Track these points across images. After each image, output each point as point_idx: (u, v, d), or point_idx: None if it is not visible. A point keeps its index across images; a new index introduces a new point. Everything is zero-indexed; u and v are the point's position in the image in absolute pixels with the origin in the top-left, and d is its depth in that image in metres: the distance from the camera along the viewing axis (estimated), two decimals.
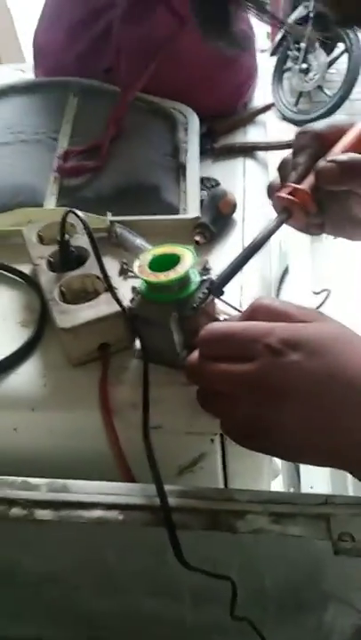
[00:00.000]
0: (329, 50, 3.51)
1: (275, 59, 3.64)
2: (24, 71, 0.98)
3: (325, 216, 0.46)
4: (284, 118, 3.54)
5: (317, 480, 0.80)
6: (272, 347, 0.34)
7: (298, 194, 0.43)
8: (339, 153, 0.43)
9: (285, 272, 1.05)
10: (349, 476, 0.83)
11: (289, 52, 3.58)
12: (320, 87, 3.54)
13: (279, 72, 3.67)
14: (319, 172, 0.43)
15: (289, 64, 3.63)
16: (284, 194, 0.43)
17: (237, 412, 0.36)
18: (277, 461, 1.03)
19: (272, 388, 0.34)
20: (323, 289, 0.81)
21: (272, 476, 0.64)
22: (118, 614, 0.57)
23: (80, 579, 0.52)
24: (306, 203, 0.43)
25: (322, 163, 0.43)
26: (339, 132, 0.45)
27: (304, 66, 3.50)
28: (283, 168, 0.46)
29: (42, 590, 0.54)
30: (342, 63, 3.47)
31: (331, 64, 3.54)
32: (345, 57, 3.37)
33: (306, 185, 0.43)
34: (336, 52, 3.52)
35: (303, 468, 0.87)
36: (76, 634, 0.65)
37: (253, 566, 0.44)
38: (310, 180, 0.43)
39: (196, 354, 0.38)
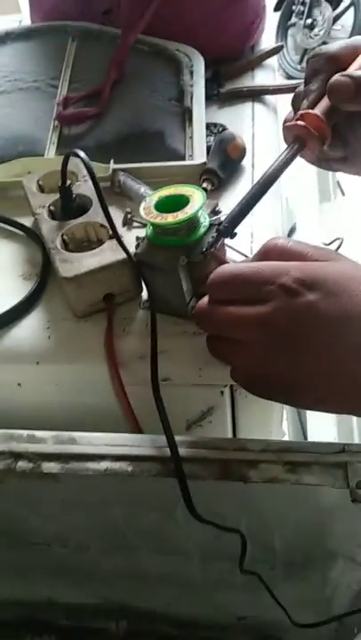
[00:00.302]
0: (335, 4, 3.37)
1: (278, 14, 3.50)
2: (21, 21, 0.93)
3: (346, 148, 0.43)
4: (289, 77, 3.42)
5: (325, 439, 0.79)
6: (287, 286, 0.32)
7: (308, 118, 0.39)
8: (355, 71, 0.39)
9: (293, 230, 1.02)
10: (357, 431, 0.83)
11: (293, 7, 3.44)
12: (325, 43, 3.41)
13: (283, 28, 3.53)
14: (332, 88, 0.38)
15: (293, 20, 3.49)
16: (293, 121, 0.39)
17: (249, 356, 0.35)
18: (283, 426, 1.03)
19: (287, 330, 0.32)
20: (335, 238, 0.78)
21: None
22: (127, 574, 0.57)
23: (89, 538, 0.51)
24: (319, 127, 0.39)
25: (335, 77, 0.38)
26: (355, 53, 0.40)
27: (309, 21, 3.37)
28: (296, 100, 0.42)
29: (51, 550, 0.54)
30: (348, 19, 3.34)
31: (336, 19, 3.40)
32: (351, 12, 3.25)
33: (318, 109, 0.39)
34: (342, 6, 3.38)
35: (310, 428, 0.86)
36: (86, 594, 0.66)
37: (262, 522, 0.44)
38: (324, 104, 0.39)
39: (205, 299, 0.36)
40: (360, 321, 0.31)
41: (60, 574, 0.61)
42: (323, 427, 0.84)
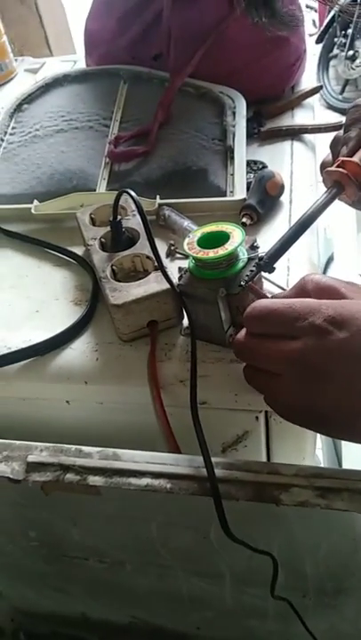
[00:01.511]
0: None
1: (320, 46, 3.54)
2: (75, 62, 1.00)
3: None
4: (330, 107, 3.44)
5: (358, 463, 0.79)
6: (318, 325, 0.34)
7: (348, 166, 0.42)
8: None
9: (330, 259, 1.04)
10: None
11: (335, 39, 3.48)
12: None
13: (325, 59, 3.57)
14: None
15: (335, 51, 3.53)
16: (334, 167, 0.42)
17: (283, 389, 0.37)
18: (318, 452, 1.03)
19: (316, 368, 0.34)
20: None
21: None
22: (160, 593, 0.58)
23: (125, 554, 0.53)
24: (357, 174, 0.42)
25: None
26: None
27: (350, 52, 3.40)
28: (334, 145, 0.45)
29: (89, 565, 0.55)
30: None
31: None
32: None
33: (357, 157, 0.42)
34: None
35: (345, 456, 0.86)
36: (118, 612, 0.67)
37: (294, 547, 0.45)
38: None
39: (243, 332, 0.39)
40: None
41: (95, 590, 0.63)
42: (358, 455, 0.84)
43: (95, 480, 0.39)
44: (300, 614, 0.51)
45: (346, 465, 0.85)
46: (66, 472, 0.40)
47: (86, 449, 0.41)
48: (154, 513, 0.45)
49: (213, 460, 0.38)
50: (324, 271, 1.01)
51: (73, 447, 0.41)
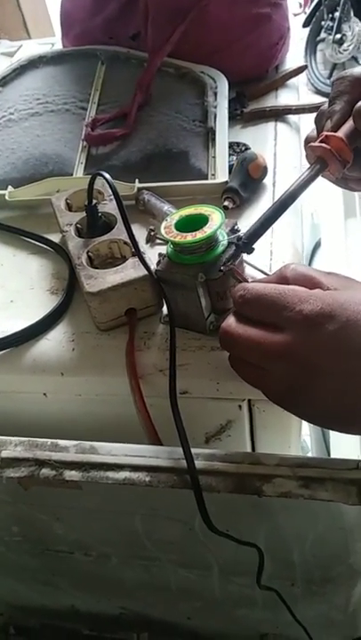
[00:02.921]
0: None
1: (308, 30, 3.51)
2: (53, 44, 0.97)
3: None
4: (318, 91, 3.42)
5: (348, 455, 0.79)
6: (307, 316, 0.33)
7: (331, 141, 0.40)
8: None
9: (318, 245, 1.03)
10: None
11: (322, 23, 3.45)
12: (355, 58, 3.40)
13: (312, 43, 3.54)
14: (357, 114, 0.39)
15: (322, 35, 3.49)
16: (317, 142, 0.40)
17: (269, 382, 0.36)
18: (307, 439, 1.02)
19: (303, 362, 0.33)
20: None
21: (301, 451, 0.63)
22: (148, 585, 0.58)
23: (110, 547, 0.52)
24: (340, 150, 0.39)
25: (360, 103, 0.39)
26: None
27: (338, 36, 3.36)
28: (319, 119, 0.43)
29: (74, 559, 0.55)
30: None
31: None
32: None
33: (342, 132, 0.40)
34: None
35: (333, 443, 0.86)
36: (108, 604, 0.67)
37: (281, 537, 0.44)
38: (348, 127, 0.40)
39: (228, 321, 0.37)
40: None
41: (83, 583, 0.62)
42: (346, 441, 0.83)
43: (72, 475, 0.38)
44: (287, 604, 0.51)
45: (333, 451, 0.84)
46: (41, 467, 0.39)
47: (62, 443, 0.40)
48: (136, 506, 0.44)
49: (194, 451, 0.37)
50: (311, 257, 1.00)
51: (49, 441, 0.40)
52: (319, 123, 0.43)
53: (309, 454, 1.00)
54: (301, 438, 1.04)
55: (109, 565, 0.55)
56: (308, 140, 0.44)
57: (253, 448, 0.50)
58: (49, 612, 0.72)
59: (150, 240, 0.54)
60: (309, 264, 0.96)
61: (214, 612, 0.63)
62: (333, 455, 0.84)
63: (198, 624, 0.67)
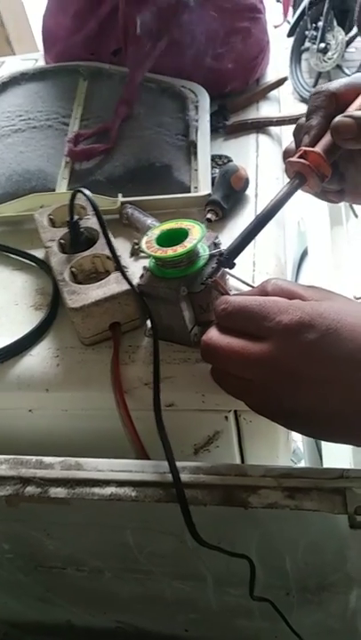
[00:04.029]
0: (348, 28, 3.42)
1: (292, 40, 3.55)
2: (37, 60, 0.97)
3: (343, 181, 0.44)
4: (303, 100, 3.46)
5: (340, 461, 0.79)
6: (287, 325, 0.33)
7: (310, 156, 0.40)
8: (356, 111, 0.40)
9: (305, 254, 1.03)
10: None
11: (306, 32, 3.50)
12: (339, 67, 3.46)
13: (297, 53, 3.59)
14: (335, 129, 0.40)
15: (307, 44, 3.54)
16: (295, 158, 0.41)
17: (252, 393, 0.36)
18: (299, 445, 1.02)
19: (285, 371, 0.33)
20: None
21: (292, 458, 0.63)
22: (143, 598, 0.57)
23: (103, 562, 0.52)
24: (319, 165, 0.40)
25: (338, 118, 0.40)
26: (356, 93, 0.42)
27: (322, 45, 3.41)
28: (298, 132, 0.44)
29: (67, 574, 0.54)
30: None
31: (349, 42, 3.44)
32: None
33: (320, 147, 0.41)
34: (354, 29, 3.42)
35: (325, 450, 0.86)
36: (104, 618, 0.66)
37: (273, 547, 0.44)
38: (325, 141, 0.41)
39: (209, 334, 0.38)
40: (359, 353, 0.32)
41: (77, 597, 0.62)
42: (338, 449, 0.83)
43: (57, 492, 0.38)
44: (282, 613, 0.50)
45: (326, 457, 0.84)
46: (26, 485, 0.38)
47: (47, 459, 0.40)
48: (126, 520, 0.43)
49: (179, 464, 0.37)
50: (299, 266, 1.01)
51: (33, 458, 0.40)
52: (297, 136, 0.44)
53: (302, 461, 1.00)
54: (295, 445, 1.04)
55: (103, 579, 0.55)
56: (286, 153, 0.45)
57: (242, 458, 0.50)
58: (45, 627, 0.71)
59: (134, 254, 0.54)
60: (297, 273, 0.97)
61: (211, 624, 0.63)
62: (326, 461, 0.84)
63: (196, 635, 0.67)
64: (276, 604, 0.49)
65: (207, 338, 0.37)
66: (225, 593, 0.54)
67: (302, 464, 0.99)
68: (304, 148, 0.41)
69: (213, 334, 0.37)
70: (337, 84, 0.42)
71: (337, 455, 0.82)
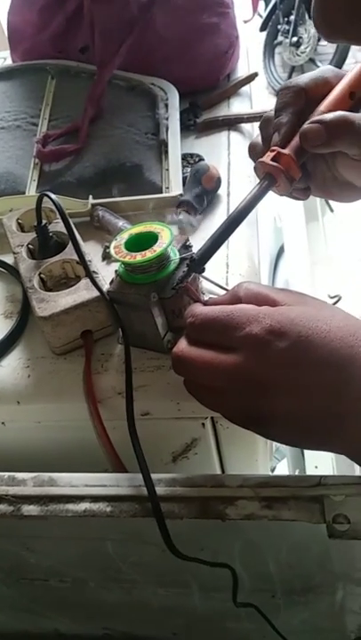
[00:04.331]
0: None
1: (265, 34, 3.55)
2: (5, 59, 0.95)
3: (310, 179, 0.43)
4: (277, 94, 3.46)
5: (322, 460, 0.79)
6: (258, 336, 0.32)
7: (282, 159, 0.39)
8: (325, 111, 0.39)
9: (281, 251, 1.03)
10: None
11: (279, 26, 3.50)
12: (312, 60, 3.47)
13: (270, 47, 3.59)
14: (304, 136, 0.38)
15: (280, 38, 3.54)
16: (267, 159, 0.39)
17: (226, 404, 0.35)
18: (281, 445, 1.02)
19: (257, 381, 0.33)
20: (336, 295, 0.80)
21: (272, 456, 0.63)
22: (130, 606, 0.57)
23: (85, 573, 0.51)
24: (290, 169, 0.39)
25: (307, 125, 0.38)
26: (325, 87, 0.40)
27: (295, 39, 3.42)
28: (265, 126, 0.42)
29: (50, 585, 0.53)
30: None
31: None
32: None
33: (290, 149, 0.39)
34: None
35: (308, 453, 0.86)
36: (91, 626, 0.65)
37: (255, 552, 0.43)
38: (296, 143, 0.40)
39: (180, 345, 0.37)
40: (332, 358, 0.31)
41: (63, 607, 0.61)
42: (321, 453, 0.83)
43: (30, 509, 0.37)
44: (267, 617, 0.50)
45: (308, 455, 0.84)
46: None
47: (20, 475, 0.38)
48: (106, 532, 0.42)
49: (155, 476, 0.36)
50: (276, 263, 1.00)
51: (6, 475, 0.38)
52: (265, 130, 0.42)
53: (284, 460, 1.00)
54: (277, 444, 1.04)
55: (87, 589, 0.54)
56: (252, 147, 0.43)
57: (221, 464, 0.50)
58: (32, 637, 0.70)
59: (106, 257, 0.53)
60: (274, 270, 0.96)
61: (199, 628, 0.62)
62: (308, 458, 0.84)
63: (183, 639, 0.66)
64: (262, 607, 0.48)
65: (178, 350, 0.36)
66: (211, 598, 0.53)
67: (285, 462, 0.99)
68: (277, 149, 0.40)
69: (183, 346, 0.36)
70: (306, 78, 0.41)
71: (319, 452, 0.82)
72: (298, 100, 0.40)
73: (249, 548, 0.43)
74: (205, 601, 0.54)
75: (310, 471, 0.78)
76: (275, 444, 0.80)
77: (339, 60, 3.25)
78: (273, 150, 0.40)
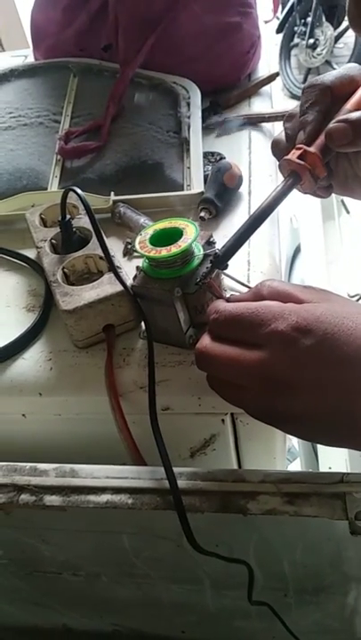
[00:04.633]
0: (336, 23, 3.41)
1: (281, 36, 3.54)
2: (26, 56, 0.96)
3: (332, 177, 0.43)
4: (293, 96, 3.46)
5: (336, 460, 0.79)
6: (283, 333, 0.32)
7: (308, 158, 0.39)
8: (351, 110, 0.39)
9: (297, 251, 1.03)
10: None
11: (295, 28, 3.49)
12: (328, 62, 3.46)
13: (286, 49, 3.58)
14: (330, 135, 0.38)
15: (296, 40, 3.54)
16: (293, 157, 0.39)
17: (249, 400, 0.35)
18: (295, 444, 1.02)
19: (282, 379, 0.32)
20: (356, 294, 0.80)
21: (287, 457, 0.63)
22: (141, 602, 0.57)
23: (99, 566, 0.51)
24: (316, 167, 0.39)
25: (333, 124, 0.38)
26: (351, 85, 0.40)
27: (311, 41, 3.41)
28: (289, 123, 0.42)
29: (63, 579, 0.53)
30: (350, 37, 3.37)
31: (338, 38, 3.44)
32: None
33: (316, 147, 0.39)
34: (343, 24, 3.41)
35: (321, 448, 0.85)
36: (100, 621, 0.65)
37: (271, 549, 0.43)
38: (322, 142, 0.39)
39: (203, 341, 0.37)
40: (359, 356, 0.31)
41: (74, 602, 0.61)
42: (334, 448, 0.83)
43: (52, 500, 0.37)
44: (280, 616, 0.50)
45: (321, 455, 0.84)
46: (20, 493, 0.37)
47: (42, 466, 0.39)
48: (123, 525, 0.43)
49: (176, 470, 0.36)
50: (292, 263, 1.00)
51: (27, 465, 0.39)
52: (289, 127, 0.42)
53: (298, 459, 1.00)
54: (290, 444, 1.04)
55: (99, 584, 0.54)
56: (276, 144, 0.43)
57: (239, 460, 0.50)
58: (41, 631, 0.71)
59: (128, 253, 0.53)
60: (290, 270, 0.96)
61: (209, 625, 0.62)
62: (321, 458, 0.84)
63: (192, 637, 0.66)
64: (273, 606, 0.48)
65: (201, 346, 0.36)
66: (223, 595, 0.53)
67: (297, 462, 0.99)
68: (303, 147, 0.40)
69: (207, 342, 0.36)
70: (331, 76, 0.41)
71: (333, 452, 0.81)
72: (324, 98, 0.40)
73: (264, 546, 0.43)
74: (217, 598, 0.54)
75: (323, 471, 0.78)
76: (287, 444, 0.80)
77: (356, 62, 3.22)
78: (299, 148, 0.40)
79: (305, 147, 0.39)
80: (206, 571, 0.48)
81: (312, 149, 0.39)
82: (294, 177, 0.40)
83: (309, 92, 0.41)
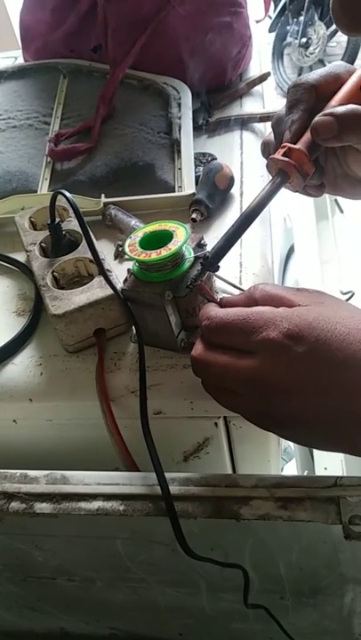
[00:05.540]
0: (329, 22, 3.41)
1: (273, 35, 3.55)
2: (16, 58, 0.95)
3: (322, 176, 0.43)
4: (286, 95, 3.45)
5: (331, 461, 0.78)
6: (273, 339, 0.32)
7: (293, 154, 0.39)
8: (336, 105, 0.38)
9: (292, 250, 1.02)
10: None
11: (288, 27, 3.49)
12: (321, 61, 3.46)
13: (279, 48, 3.58)
14: (315, 128, 0.38)
15: (288, 39, 3.54)
16: (278, 155, 0.39)
17: (244, 405, 0.35)
18: (291, 444, 1.02)
19: (276, 385, 0.32)
20: (348, 291, 0.79)
21: (283, 456, 0.62)
22: (136, 605, 0.56)
23: (93, 571, 0.51)
24: (303, 164, 0.39)
25: (318, 117, 0.38)
26: (336, 83, 0.40)
27: (304, 40, 3.41)
28: (277, 124, 0.42)
29: (58, 584, 0.53)
30: (342, 35, 3.37)
31: (331, 37, 3.44)
32: None
33: (302, 144, 0.39)
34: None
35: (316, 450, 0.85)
36: (97, 625, 0.65)
37: (266, 552, 0.43)
38: (308, 138, 0.39)
39: (197, 348, 0.36)
40: (352, 361, 0.31)
41: (70, 606, 0.61)
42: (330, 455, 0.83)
43: (42, 507, 0.36)
44: (277, 618, 0.50)
45: (317, 455, 0.83)
46: (10, 500, 0.37)
47: (32, 473, 0.38)
48: (116, 531, 0.42)
49: (168, 475, 0.36)
50: (286, 263, 1.00)
51: (18, 472, 0.38)
52: (276, 128, 0.42)
53: (293, 460, 0.99)
54: (285, 444, 1.03)
55: (95, 588, 0.54)
56: (265, 145, 0.43)
57: (233, 464, 0.49)
58: (38, 636, 0.70)
59: (118, 256, 0.53)
60: (284, 270, 0.96)
61: (205, 628, 0.62)
62: (317, 459, 0.84)
63: (190, 639, 0.66)
64: (270, 608, 0.48)
65: (195, 353, 0.36)
66: (219, 598, 0.53)
67: (293, 463, 0.99)
68: (288, 145, 0.39)
69: (200, 350, 0.36)
70: (316, 75, 0.40)
71: (328, 453, 0.81)
72: (309, 97, 0.40)
73: (260, 549, 0.42)
74: (213, 601, 0.54)
75: (320, 473, 0.78)
76: (283, 445, 0.79)
77: (348, 62, 3.23)
78: (284, 146, 0.40)
79: (289, 144, 0.39)
80: (202, 574, 0.48)
81: (296, 146, 0.39)
82: (282, 175, 0.39)
83: (294, 91, 0.41)
